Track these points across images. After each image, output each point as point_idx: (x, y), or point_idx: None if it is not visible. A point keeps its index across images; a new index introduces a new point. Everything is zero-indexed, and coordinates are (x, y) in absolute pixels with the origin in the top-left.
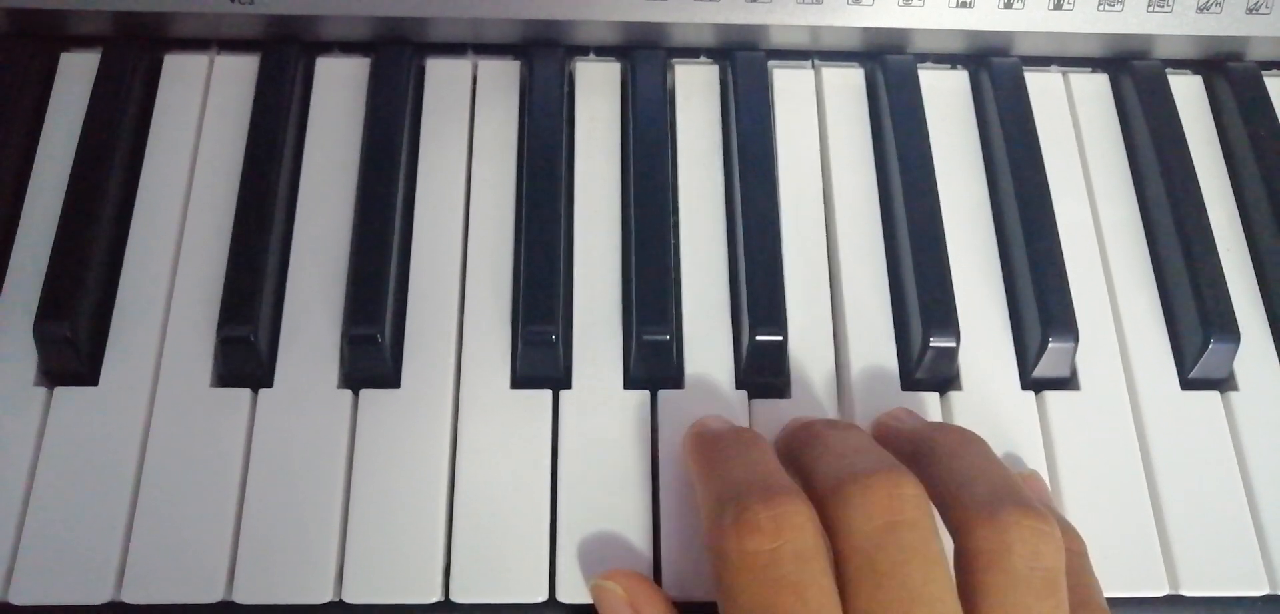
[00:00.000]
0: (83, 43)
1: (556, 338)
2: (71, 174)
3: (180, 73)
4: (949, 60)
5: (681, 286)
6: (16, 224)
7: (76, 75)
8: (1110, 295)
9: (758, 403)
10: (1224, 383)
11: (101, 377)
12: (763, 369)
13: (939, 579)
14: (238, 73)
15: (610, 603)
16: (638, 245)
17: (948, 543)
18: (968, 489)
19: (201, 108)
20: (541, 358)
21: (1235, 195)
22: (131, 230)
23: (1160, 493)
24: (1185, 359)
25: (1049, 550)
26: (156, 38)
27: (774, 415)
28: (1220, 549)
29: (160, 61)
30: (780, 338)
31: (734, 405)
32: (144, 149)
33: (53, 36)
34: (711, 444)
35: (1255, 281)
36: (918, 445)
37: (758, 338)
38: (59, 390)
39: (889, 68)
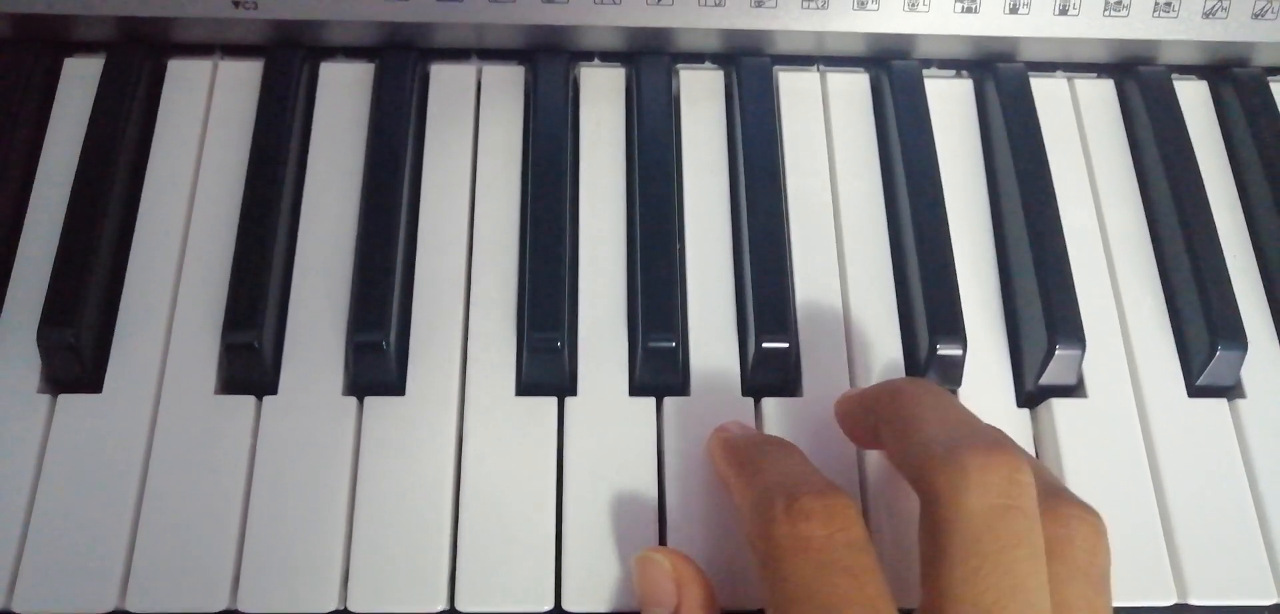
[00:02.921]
0: (87, 48)
1: (562, 345)
2: (75, 180)
3: (184, 78)
4: (954, 65)
5: (687, 293)
6: (20, 230)
7: (80, 80)
8: (1117, 302)
9: (769, 402)
10: (1231, 390)
11: (105, 384)
12: (769, 375)
13: (1040, 573)
14: (242, 78)
15: (653, 574)
16: (643, 251)
17: None
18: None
19: (205, 113)
20: (547, 365)
21: (1242, 201)
22: (135, 236)
23: (1167, 501)
24: (1192, 366)
25: (1103, 547)
26: (160, 43)
27: (786, 414)
28: (1228, 558)
29: (164, 66)
30: (786, 344)
31: (741, 413)
32: (148, 154)
33: (57, 42)
34: (746, 446)
35: (1262, 288)
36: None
37: (764, 344)
38: (63, 397)
39: (894, 73)
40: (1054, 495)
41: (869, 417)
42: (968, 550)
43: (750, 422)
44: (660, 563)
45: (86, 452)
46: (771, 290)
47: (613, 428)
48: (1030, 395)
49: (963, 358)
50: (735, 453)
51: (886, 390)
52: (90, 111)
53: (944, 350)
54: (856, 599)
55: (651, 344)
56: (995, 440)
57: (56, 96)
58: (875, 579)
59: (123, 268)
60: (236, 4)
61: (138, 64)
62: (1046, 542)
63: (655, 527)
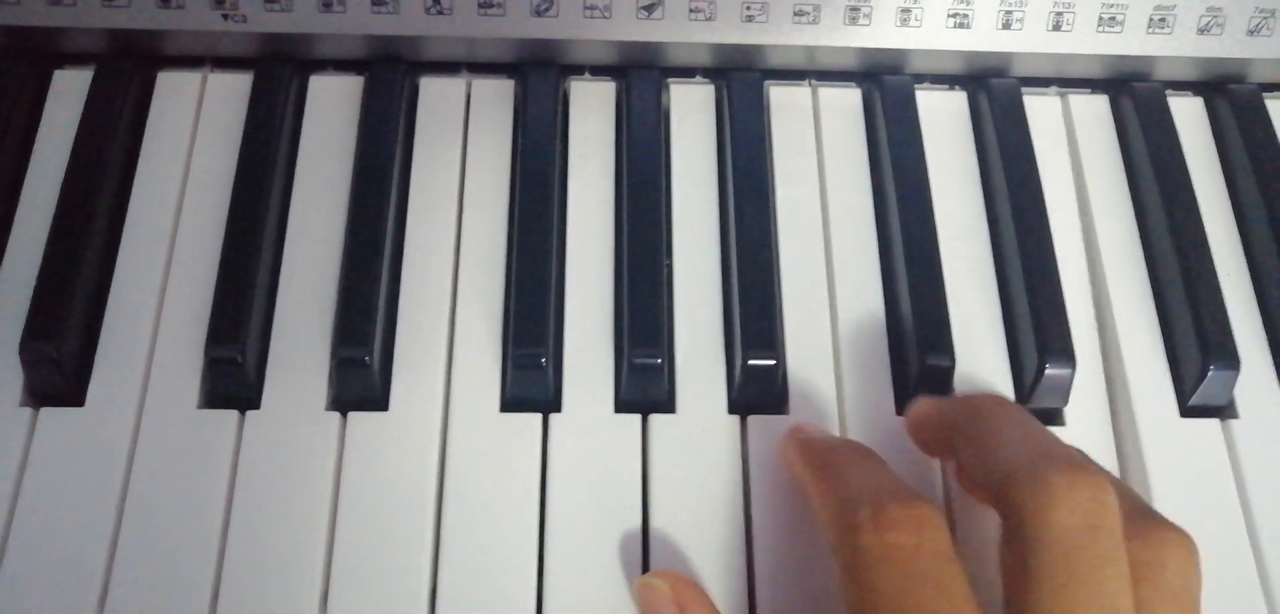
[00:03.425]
0: (76, 60)
1: (546, 361)
2: (61, 192)
3: (173, 90)
4: (948, 81)
5: (675, 309)
6: (6, 242)
7: (70, 92)
8: (1109, 320)
9: (756, 419)
10: (1224, 410)
11: (88, 397)
12: (757, 393)
13: (1127, 594)
14: (231, 90)
15: (654, 601)
16: (630, 267)
17: None
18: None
19: (194, 125)
20: (531, 381)
21: (1236, 219)
22: (121, 249)
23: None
24: (1184, 386)
25: (1194, 570)
26: (150, 55)
27: (772, 432)
28: (1219, 582)
29: (154, 79)
30: (773, 361)
31: (725, 431)
32: (136, 167)
33: (46, 53)
34: (827, 451)
35: (1257, 307)
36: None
37: (750, 362)
38: (45, 411)
39: (886, 88)
40: (1145, 518)
41: (944, 430)
42: (1055, 568)
43: (736, 439)
44: (659, 587)
45: (68, 465)
46: (759, 307)
47: (597, 445)
48: (1031, 410)
49: (951, 370)
50: (815, 456)
51: (966, 404)
52: (78, 123)
53: (933, 362)
54: (945, 611)
55: (637, 360)
56: (1079, 460)
57: (46, 108)
58: (962, 590)
59: (108, 280)
60: (225, 16)
61: (127, 76)
62: (1139, 565)
63: (639, 545)
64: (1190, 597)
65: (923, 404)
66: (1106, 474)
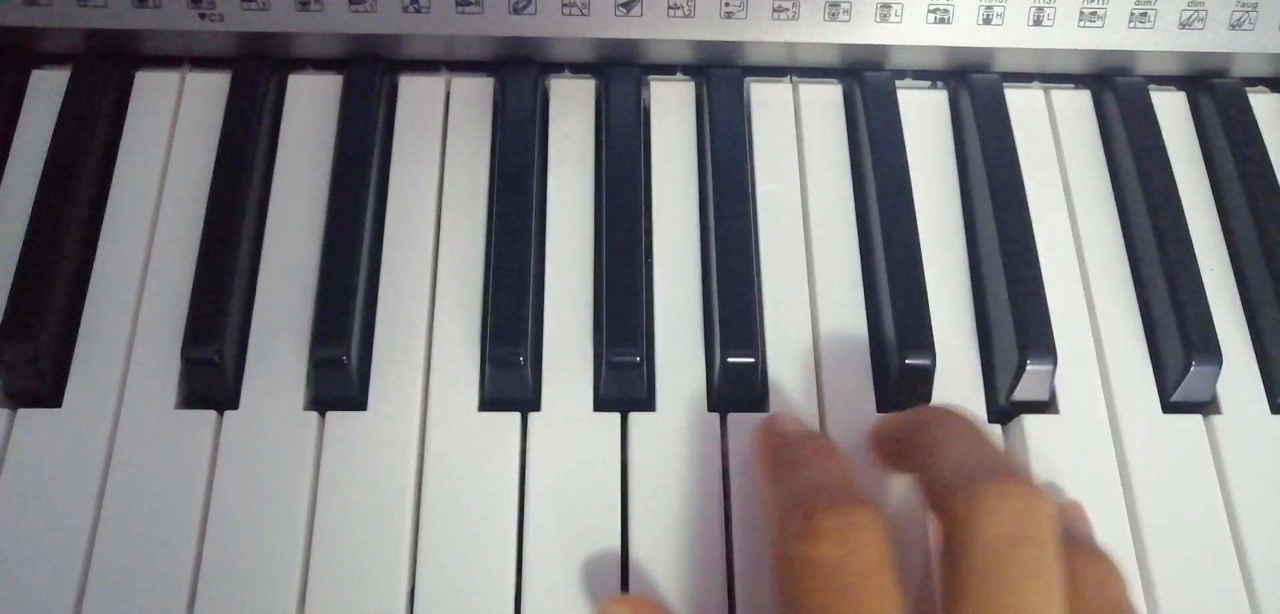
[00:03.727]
0: (55, 60)
1: (524, 360)
2: (37, 192)
3: (151, 90)
4: (929, 77)
5: (655, 307)
6: None
7: (47, 92)
8: (1090, 317)
9: (735, 417)
10: (1207, 406)
11: (65, 398)
12: (736, 391)
13: (1054, 604)
14: (209, 90)
15: None
16: (609, 265)
17: None
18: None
19: (172, 125)
20: (509, 380)
21: (1219, 214)
22: (99, 249)
23: (1140, 520)
24: (1167, 382)
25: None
26: (128, 55)
27: (752, 427)
28: (1202, 580)
29: (131, 78)
30: (753, 359)
31: (705, 428)
32: (114, 167)
33: (24, 53)
34: (784, 447)
35: (1239, 302)
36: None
37: (730, 359)
38: (22, 412)
39: (866, 84)
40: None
41: (899, 443)
42: (982, 577)
43: (715, 437)
44: (620, 612)
45: (44, 468)
46: (738, 304)
47: (576, 444)
48: (1002, 411)
49: (931, 370)
50: (771, 453)
51: (916, 417)
52: (54, 124)
53: (912, 361)
54: None
55: (615, 358)
56: (1013, 473)
57: (23, 108)
58: (890, 602)
59: (86, 281)
60: (202, 16)
61: (104, 76)
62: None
63: (618, 545)
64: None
65: (880, 420)
66: (1042, 490)
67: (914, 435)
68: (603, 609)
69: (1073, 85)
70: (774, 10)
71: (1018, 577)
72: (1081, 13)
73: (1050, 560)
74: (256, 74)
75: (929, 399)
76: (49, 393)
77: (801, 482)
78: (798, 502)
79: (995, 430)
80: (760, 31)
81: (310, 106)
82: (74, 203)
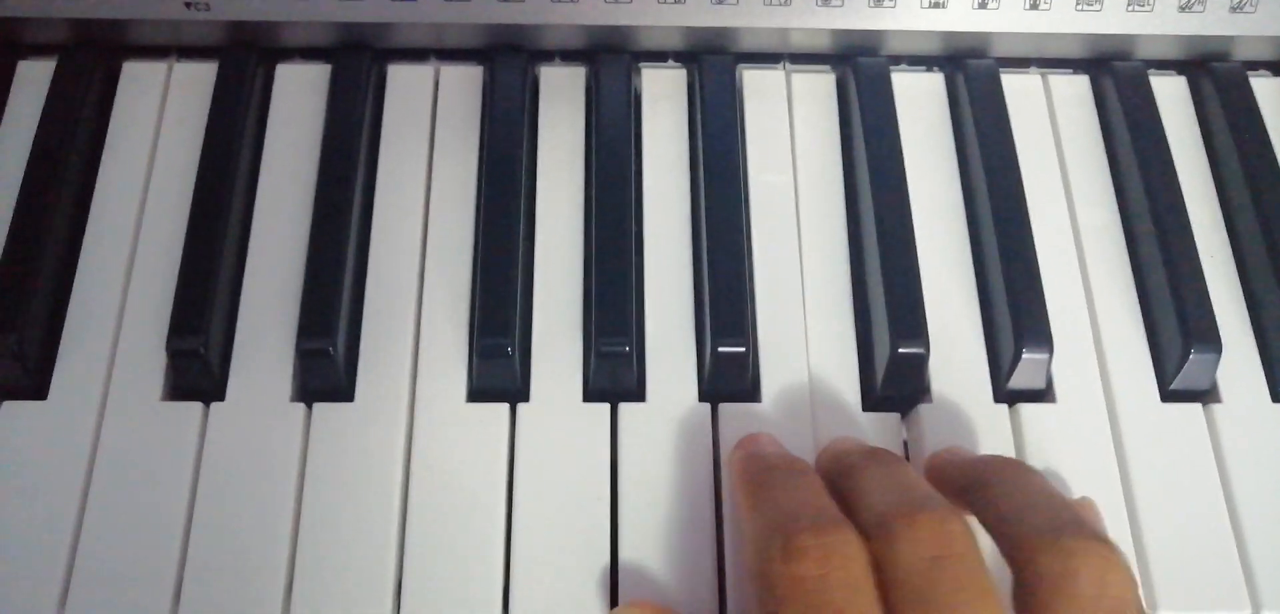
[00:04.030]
0: (41, 51)
1: (512, 350)
2: (23, 183)
3: (138, 80)
4: (925, 62)
5: (645, 296)
6: None
7: (34, 83)
8: (1088, 304)
9: (726, 408)
10: (1206, 395)
11: (51, 390)
12: (727, 380)
13: (991, 608)
14: (197, 79)
15: None
16: (598, 254)
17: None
18: (1028, 516)
19: (159, 115)
20: (498, 370)
21: (1220, 199)
22: (85, 240)
23: (1139, 510)
24: (1166, 370)
25: (1117, 579)
26: (116, 45)
27: (745, 420)
28: (1201, 569)
29: (118, 69)
30: (743, 348)
31: (696, 420)
32: (101, 157)
33: (10, 44)
34: (762, 470)
35: (1240, 289)
36: (971, 477)
37: (720, 349)
38: (7, 404)
39: (860, 70)
40: (1057, 529)
41: (830, 481)
42: (911, 604)
43: (706, 428)
44: None
45: (30, 460)
46: (729, 293)
47: (565, 435)
48: (1008, 395)
49: (924, 358)
50: (748, 477)
51: (836, 462)
52: (40, 114)
53: (904, 349)
54: None
55: (605, 348)
56: (922, 499)
57: (9, 99)
58: None
59: (72, 272)
60: (189, 5)
61: (91, 66)
62: (1046, 578)
63: (608, 536)
64: (1108, 605)
65: (820, 457)
66: (953, 508)
67: (838, 480)
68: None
69: (1071, 70)
70: None
71: (946, 593)
72: None
73: (975, 569)
74: (244, 64)
75: (922, 387)
76: (34, 384)
77: (780, 505)
78: (779, 523)
79: (1000, 411)
80: (753, 17)
81: (298, 96)
82: (60, 193)
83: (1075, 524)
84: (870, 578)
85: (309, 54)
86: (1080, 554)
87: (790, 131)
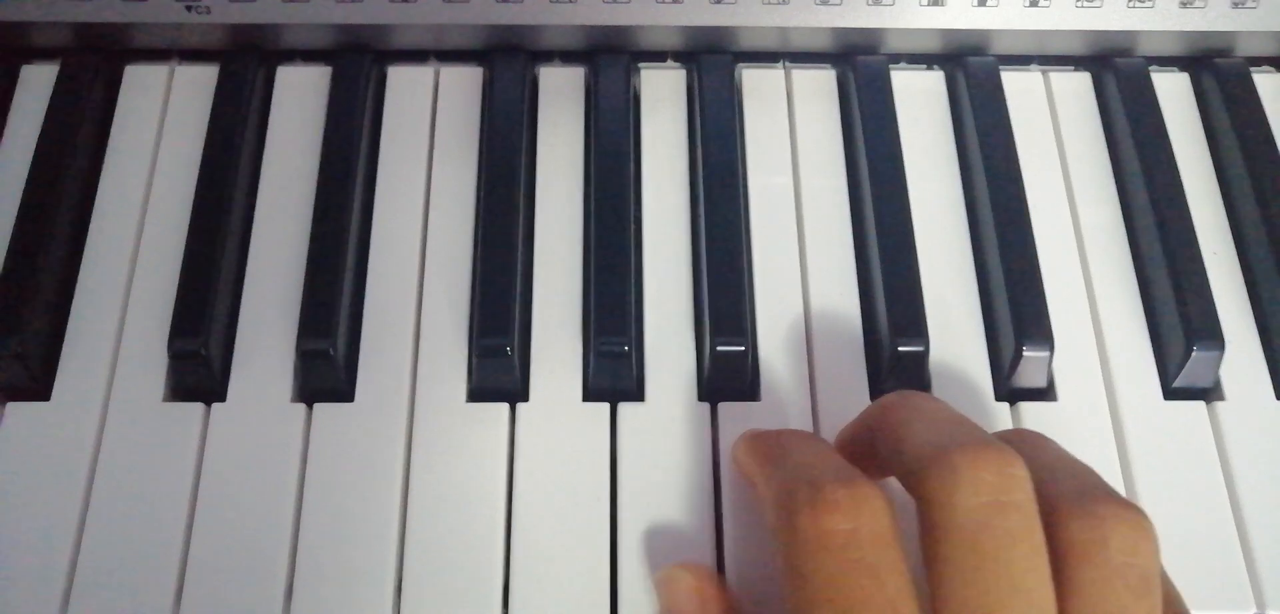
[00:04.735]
0: (44, 54)
1: (512, 350)
2: (25, 187)
3: (140, 83)
4: (925, 60)
5: (644, 295)
6: None
7: (37, 87)
8: (1090, 302)
9: (726, 407)
10: (1209, 392)
11: (54, 392)
12: (727, 380)
13: (1041, 570)
14: (198, 82)
15: (675, 594)
16: (597, 254)
17: None
18: (1058, 482)
19: (161, 118)
20: (496, 370)
21: (1222, 196)
22: (88, 243)
23: (1141, 507)
24: (1168, 368)
25: (1146, 547)
26: (117, 49)
27: (744, 420)
28: (1204, 568)
29: (120, 72)
30: (742, 348)
31: (697, 418)
32: (103, 161)
33: (14, 48)
34: (772, 440)
35: (1243, 286)
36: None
37: (719, 348)
38: (11, 406)
39: (859, 69)
40: (1088, 495)
41: (866, 441)
42: (963, 551)
43: (705, 427)
44: (683, 578)
45: (32, 462)
46: (728, 292)
47: (565, 434)
48: (1010, 393)
49: (924, 356)
50: (759, 447)
51: (877, 407)
52: (43, 118)
53: (905, 348)
54: (877, 601)
55: (604, 347)
56: (984, 439)
57: (13, 103)
58: (899, 578)
59: (74, 275)
60: (189, 8)
61: (93, 69)
62: (1078, 544)
63: (607, 536)
64: (1139, 574)
65: (845, 427)
66: (1013, 452)
67: (878, 425)
68: (665, 574)
69: (1072, 67)
70: None
71: (1001, 545)
72: None
73: (1033, 525)
74: (245, 66)
75: (923, 385)
76: (37, 386)
77: (800, 462)
78: (803, 478)
79: (1002, 409)
80: (752, 16)
81: (299, 98)
82: (63, 196)
83: (1106, 492)
84: (898, 531)
85: (309, 56)
86: (1112, 521)
87: (790, 131)
